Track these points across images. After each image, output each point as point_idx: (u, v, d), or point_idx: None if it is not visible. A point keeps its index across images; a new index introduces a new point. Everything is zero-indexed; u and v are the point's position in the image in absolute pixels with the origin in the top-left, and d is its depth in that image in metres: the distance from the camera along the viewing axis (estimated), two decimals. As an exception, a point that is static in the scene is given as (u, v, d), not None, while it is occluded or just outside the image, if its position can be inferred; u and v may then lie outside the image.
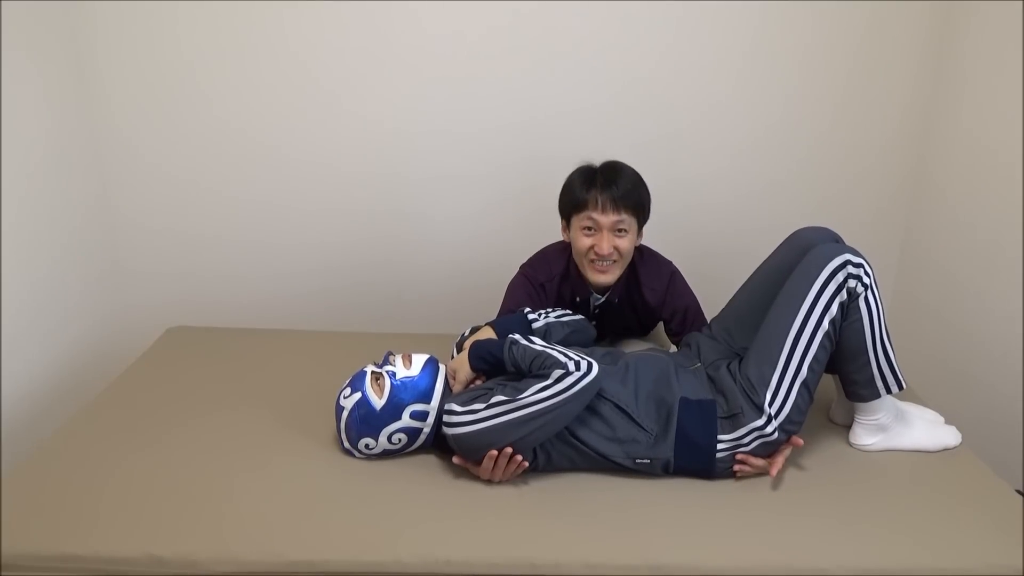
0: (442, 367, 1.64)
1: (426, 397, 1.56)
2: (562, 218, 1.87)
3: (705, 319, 1.91)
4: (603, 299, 1.90)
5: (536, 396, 1.43)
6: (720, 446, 1.52)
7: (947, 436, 1.68)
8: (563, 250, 1.92)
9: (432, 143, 2.37)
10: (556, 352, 1.51)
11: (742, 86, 2.33)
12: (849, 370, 1.61)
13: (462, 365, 1.61)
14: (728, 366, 1.64)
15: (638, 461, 1.53)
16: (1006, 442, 2.04)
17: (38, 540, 1.32)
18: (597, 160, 1.84)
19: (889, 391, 1.62)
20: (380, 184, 2.41)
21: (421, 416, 1.55)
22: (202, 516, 1.39)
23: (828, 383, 1.75)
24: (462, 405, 1.49)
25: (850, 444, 1.68)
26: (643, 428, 1.53)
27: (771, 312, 1.60)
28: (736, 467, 1.53)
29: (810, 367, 1.54)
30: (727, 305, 1.80)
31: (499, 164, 2.40)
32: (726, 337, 1.74)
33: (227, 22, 2.21)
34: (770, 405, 1.53)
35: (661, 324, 2.01)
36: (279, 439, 1.65)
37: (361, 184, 2.41)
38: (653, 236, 1.94)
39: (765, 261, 1.76)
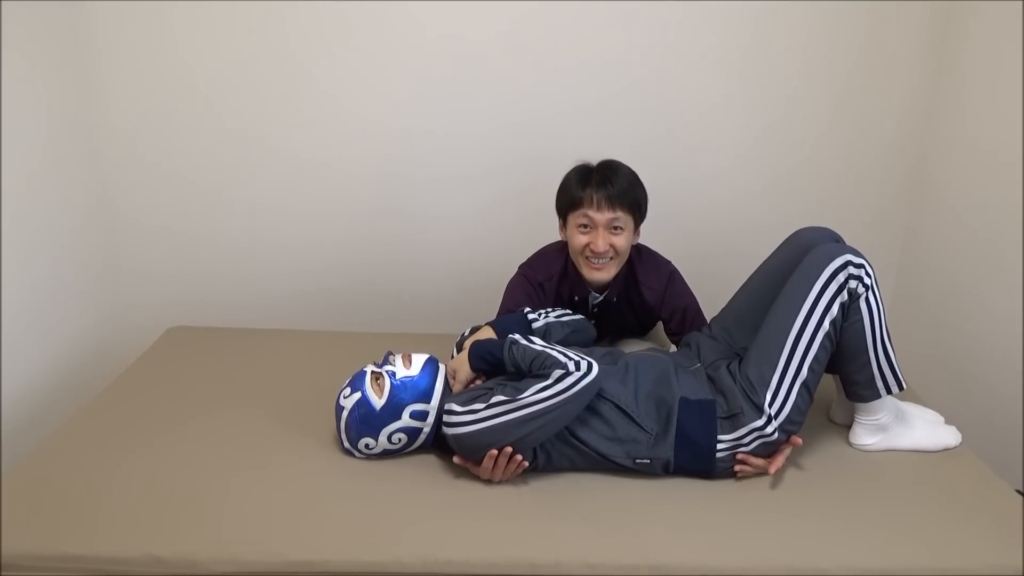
0: (442, 367, 1.64)
1: (426, 397, 1.56)
2: (559, 216, 1.87)
3: (704, 319, 1.91)
4: (601, 298, 1.90)
5: (536, 396, 1.43)
6: (720, 446, 1.52)
7: (947, 436, 1.68)
8: (561, 250, 1.92)
9: (432, 143, 2.37)
10: (556, 352, 1.51)
11: (742, 86, 2.33)
12: (849, 370, 1.61)
13: (462, 365, 1.61)
14: (728, 366, 1.64)
15: (638, 461, 1.53)
16: (1006, 442, 2.04)
17: (38, 540, 1.32)
18: (595, 159, 1.84)
19: (889, 391, 1.62)
20: (380, 184, 2.41)
21: (421, 416, 1.55)
22: (202, 516, 1.39)
23: (828, 383, 1.75)
24: (462, 405, 1.49)
25: (850, 444, 1.68)
26: (643, 428, 1.53)
27: (771, 312, 1.60)
28: (737, 467, 1.53)
29: (810, 367, 1.54)
30: (727, 305, 1.80)
31: (499, 164, 2.40)
32: (726, 337, 1.74)
33: (227, 22, 2.21)
34: (770, 405, 1.53)
35: (660, 324, 2.01)
36: (279, 439, 1.65)
37: (361, 184, 2.41)
38: (652, 235, 1.94)
39: (765, 261, 1.76)
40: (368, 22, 2.22)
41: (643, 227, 1.86)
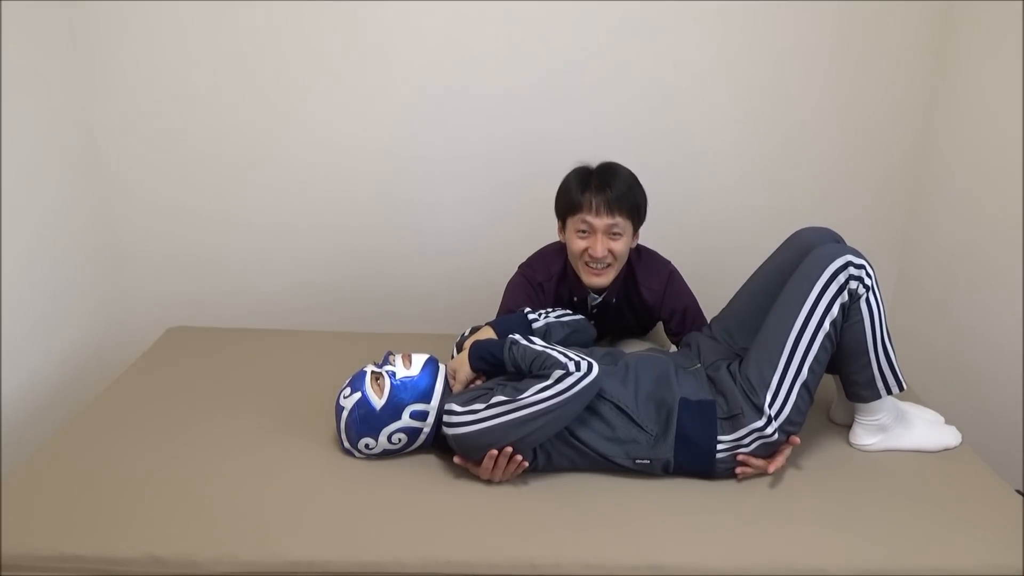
0: (442, 367, 1.64)
1: (426, 397, 1.56)
2: (558, 219, 1.86)
3: (705, 319, 1.91)
4: (600, 299, 1.90)
5: (536, 396, 1.43)
6: (720, 447, 1.52)
7: (947, 436, 1.68)
8: (560, 250, 1.92)
9: (432, 142, 2.36)
10: (556, 352, 1.51)
11: (741, 85, 2.33)
12: (850, 371, 1.61)
13: (462, 365, 1.61)
14: (728, 367, 1.64)
15: (638, 461, 1.53)
16: (1006, 442, 2.04)
17: (38, 540, 1.32)
18: (594, 158, 1.84)
19: (890, 392, 1.62)
20: (380, 184, 2.41)
21: (421, 416, 1.55)
22: (202, 516, 1.39)
23: (828, 383, 1.75)
24: (462, 405, 1.49)
25: (850, 444, 1.68)
26: (643, 428, 1.53)
27: (772, 313, 1.60)
28: (738, 469, 1.53)
29: (810, 368, 1.54)
30: (727, 305, 1.80)
31: (499, 163, 2.39)
32: (726, 337, 1.74)
33: (227, 23, 2.21)
34: (770, 406, 1.53)
35: (660, 324, 2.01)
36: (279, 439, 1.65)
37: (361, 184, 2.41)
38: (652, 236, 1.94)
39: (766, 261, 1.76)
40: (367, 29, 2.22)
41: (639, 229, 1.85)
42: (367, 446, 1.56)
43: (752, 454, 1.53)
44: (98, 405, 1.78)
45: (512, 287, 1.92)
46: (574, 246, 1.79)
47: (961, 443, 1.68)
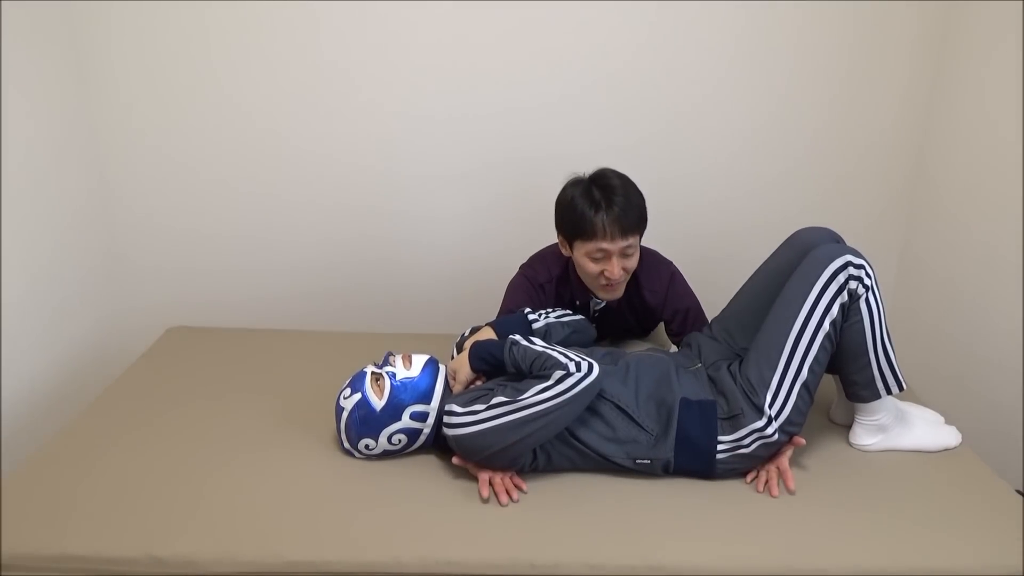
0: (442, 368, 1.64)
1: (426, 398, 1.56)
2: (562, 236, 1.82)
3: (706, 319, 1.91)
4: (603, 303, 1.89)
5: (537, 397, 1.43)
6: (720, 447, 1.52)
7: (947, 436, 1.68)
8: (559, 254, 1.91)
9: (432, 142, 2.36)
10: (557, 353, 1.51)
11: (740, 86, 2.33)
12: (849, 371, 1.61)
13: (462, 365, 1.61)
14: (729, 367, 1.64)
15: (638, 461, 1.53)
16: (1006, 442, 2.04)
17: (38, 540, 1.32)
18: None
19: (889, 392, 1.61)
20: (380, 184, 2.41)
21: (421, 417, 1.55)
22: (202, 516, 1.39)
23: (828, 383, 1.75)
24: (462, 406, 1.49)
25: (850, 444, 1.68)
26: (643, 429, 1.53)
27: (772, 313, 1.60)
28: (760, 486, 1.52)
29: (810, 368, 1.54)
30: (728, 306, 1.80)
31: (499, 163, 2.39)
32: (727, 338, 1.74)
33: (228, 18, 2.20)
34: (770, 406, 1.52)
35: (661, 324, 2.01)
36: (279, 439, 1.65)
37: (361, 184, 2.41)
38: (651, 235, 1.93)
39: (766, 262, 1.75)
40: (369, 19, 2.22)
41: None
42: (367, 447, 1.56)
43: (752, 455, 1.53)
44: (98, 405, 1.78)
45: (513, 288, 1.92)
46: (588, 268, 1.77)
47: (961, 443, 1.68)
